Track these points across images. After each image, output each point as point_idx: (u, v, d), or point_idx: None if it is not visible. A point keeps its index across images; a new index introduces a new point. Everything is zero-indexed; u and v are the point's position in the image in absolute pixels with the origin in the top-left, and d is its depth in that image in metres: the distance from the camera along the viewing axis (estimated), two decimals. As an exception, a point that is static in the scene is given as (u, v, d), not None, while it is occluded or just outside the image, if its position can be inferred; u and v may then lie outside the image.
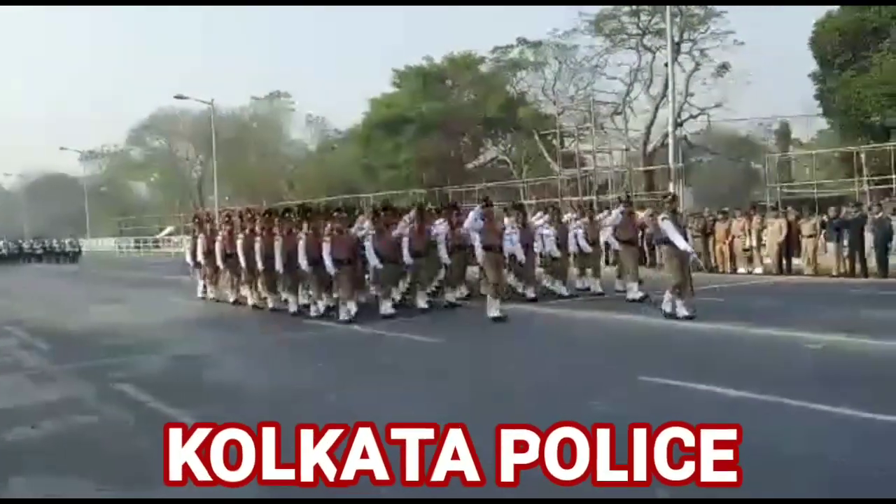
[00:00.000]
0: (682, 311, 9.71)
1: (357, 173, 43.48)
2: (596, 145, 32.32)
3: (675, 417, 5.20)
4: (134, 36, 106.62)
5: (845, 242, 15.29)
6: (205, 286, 14.88)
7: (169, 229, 51.67)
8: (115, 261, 41.62)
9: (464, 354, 8.56)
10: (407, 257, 11.52)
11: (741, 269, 16.82)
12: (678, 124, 27.71)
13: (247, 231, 12.83)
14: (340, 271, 10.78)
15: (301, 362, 8.58)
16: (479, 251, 11.13)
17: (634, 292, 11.88)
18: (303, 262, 11.06)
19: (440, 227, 12.03)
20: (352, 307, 10.79)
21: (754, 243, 16.67)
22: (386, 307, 11.13)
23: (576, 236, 12.87)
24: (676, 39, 29.51)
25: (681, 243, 9.71)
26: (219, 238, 13.64)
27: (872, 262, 14.98)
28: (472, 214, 11.14)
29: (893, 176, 19.60)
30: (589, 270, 13.42)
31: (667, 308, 9.92)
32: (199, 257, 14.33)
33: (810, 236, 15.90)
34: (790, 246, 16.32)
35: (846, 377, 6.51)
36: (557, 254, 12.73)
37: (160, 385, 7.25)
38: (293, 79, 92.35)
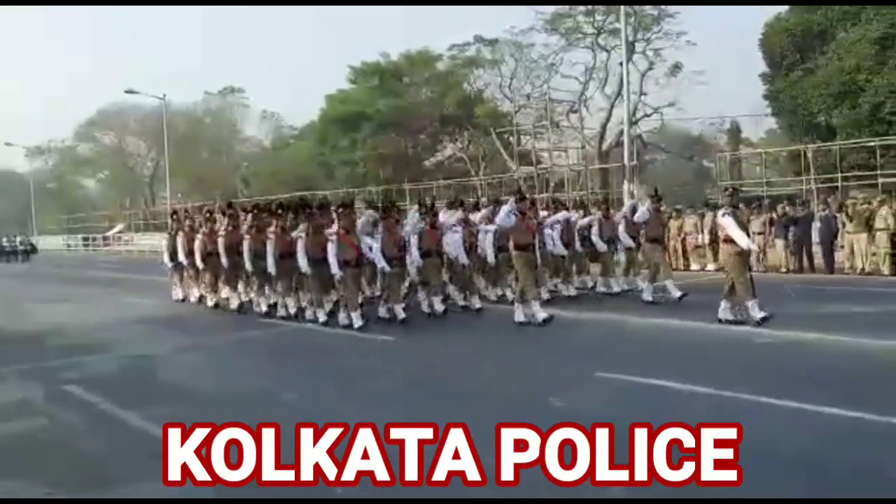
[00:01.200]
0: (757, 314, 8.71)
1: (313, 170, 43.10)
2: (552, 143, 32.58)
3: (636, 413, 5.36)
4: (87, 33, 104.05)
5: (793, 239, 15.73)
6: (184, 288, 13.94)
7: (119, 227, 50.46)
8: (64, 258, 40.45)
9: (426, 352, 8.55)
10: (417, 258, 10.66)
11: (694, 266, 17.15)
12: (633, 123, 28.09)
13: (229, 228, 12.10)
14: (346, 275, 9.80)
15: (258, 362, 8.45)
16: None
17: (652, 293, 11.22)
18: (302, 262, 10.08)
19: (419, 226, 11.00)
20: (356, 317, 9.74)
21: (706, 240, 17.00)
22: (399, 311, 10.21)
23: (562, 233, 11.90)
24: (630, 39, 29.90)
25: (743, 241, 8.86)
26: (199, 236, 12.74)
27: (819, 259, 15.44)
28: (503, 209, 9.85)
29: (839, 174, 20.18)
30: (594, 270, 12.73)
31: (726, 315, 9.04)
32: (181, 257, 13.33)
33: (759, 233, 16.28)
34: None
35: (792, 371, 6.69)
36: (564, 252, 11.94)
37: (111, 386, 7.10)
38: (247, 75, 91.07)
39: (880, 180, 19.15)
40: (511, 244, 9.99)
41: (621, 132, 26.41)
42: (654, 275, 11.32)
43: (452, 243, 11.07)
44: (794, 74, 25.80)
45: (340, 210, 10.20)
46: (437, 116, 39.66)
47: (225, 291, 12.77)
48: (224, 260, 11.98)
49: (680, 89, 33.05)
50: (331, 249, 9.70)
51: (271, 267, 10.81)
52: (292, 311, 10.98)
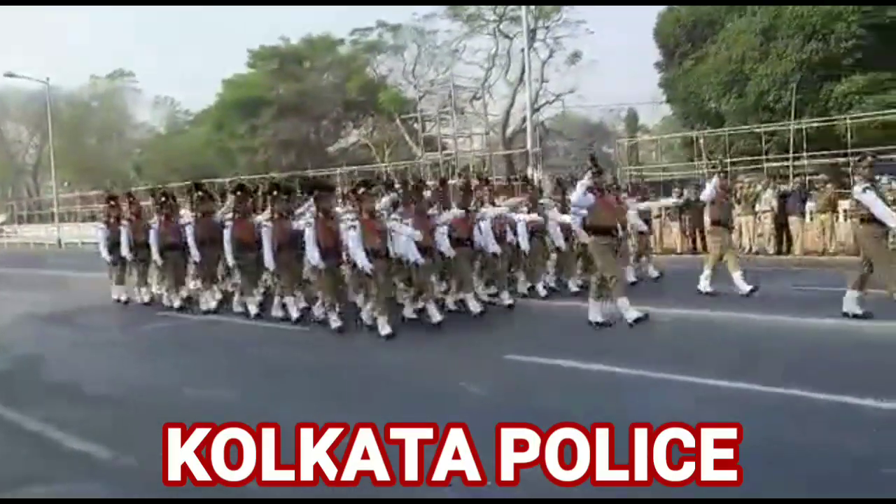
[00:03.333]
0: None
1: (211, 157, 41.66)
2: (457, 129, 32.70)
3: (539, 395, 5.35)
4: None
5: (687, 222, 16.35)
6: (128, 288, 11.87)
7: (1, 218, 47.28)
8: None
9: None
10: (447, 249, 8.63)
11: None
12: (535, 110, 28.51)
13: (198, 214, 10.28)
14: (376, 267, 7.96)
15: (158, 357, 7.99)
16: (582, 235, 8.90)
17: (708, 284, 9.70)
18: (313, 255, 8.31)
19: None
20: (383, 323, 7.97)
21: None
22: (434, 311, 8.34)
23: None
24: (531, 27, 30.29)
25: (891, 220, 7.45)
26: (154, 224, 10.85)
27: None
28: (579, 185, 8.04)
29: (729, 159, 21.11)
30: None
31: (854, 308, 7.68)
32: (124, 251, 11.31)
33: (656, 217, 16.82)
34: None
35: (694, 348, 6.90)
36: (563, 245, 10.10)
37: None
38: (137, 58, 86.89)
39: (765, 165, 20.21)
40: (580, 229, 8.55)
41: (524, 119, 26.75)
42: (715, 263, 9.75)
43: (483, 232, 9.25)
44: (687, 63, 26.79)
45: (361, 192, 8.32)
46: (339, 102, 39.10)
47: (185, 290, 10.96)
48: (195, 252, 10.17)
49: (580, 77, 33.84)
50: (354, 237, 7.98)
51: (270, 262, 9.10)
52: (295, 312, 9.12)
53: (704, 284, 9.69)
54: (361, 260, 7.90)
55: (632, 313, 7.76)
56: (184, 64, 76.59)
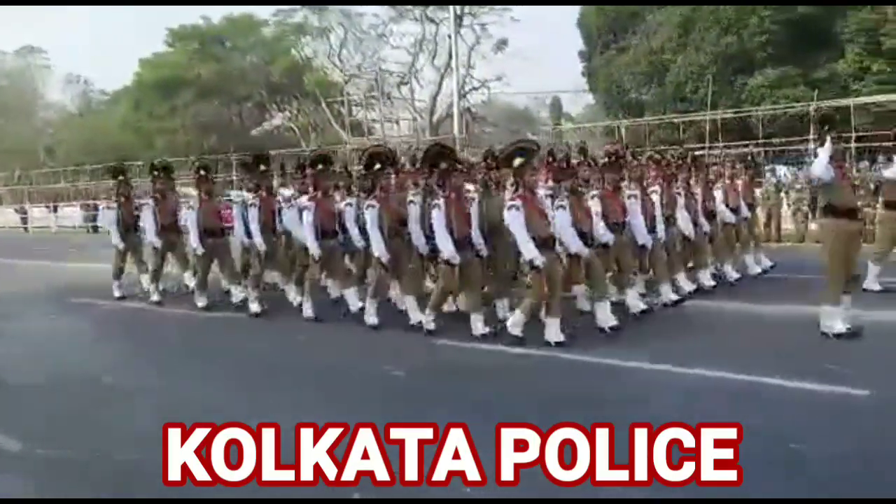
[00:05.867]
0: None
1: (128, 138, 40.14)
2: (384, 114, 32.51)
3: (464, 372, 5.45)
4: None
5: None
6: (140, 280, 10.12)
7: None
8: None
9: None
10: (478, 239, 7.00)
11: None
12: (462, 96, 28.63)
13: (262, 194, 8.49)
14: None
15: (81, 346, 7.71)
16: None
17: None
18: (380, 248, 7.18)
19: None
20: (429, 319, 6.96)
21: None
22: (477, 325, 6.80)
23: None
24: (458, 13, 30.33)
25: None
26: (193, 204, 8.98)
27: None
28: (822, 154, 6.06)
29: (648, 148, 21.77)
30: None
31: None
32: (150, 236, 9.53)
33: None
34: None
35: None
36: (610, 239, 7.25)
37: None
38: (48, 33, 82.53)
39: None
40: (822, 207, 6.40)
41: (451, 104, 26.83)
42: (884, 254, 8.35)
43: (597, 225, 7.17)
44: (609, 53, 27.42)
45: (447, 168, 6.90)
46: (263, 84, 38.24)
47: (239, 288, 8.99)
48: (259, 240, 8.38)
49: (506, 64, 34.12)
50: (438, 219, 6.66)
51: (315, 248, 7.65)
52: (356, 306, 7.75)
53: (872, 283, 8.18)
54: (448, 249, 6.67)
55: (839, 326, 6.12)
56: (98, 41, 73.46)
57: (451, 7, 24.26)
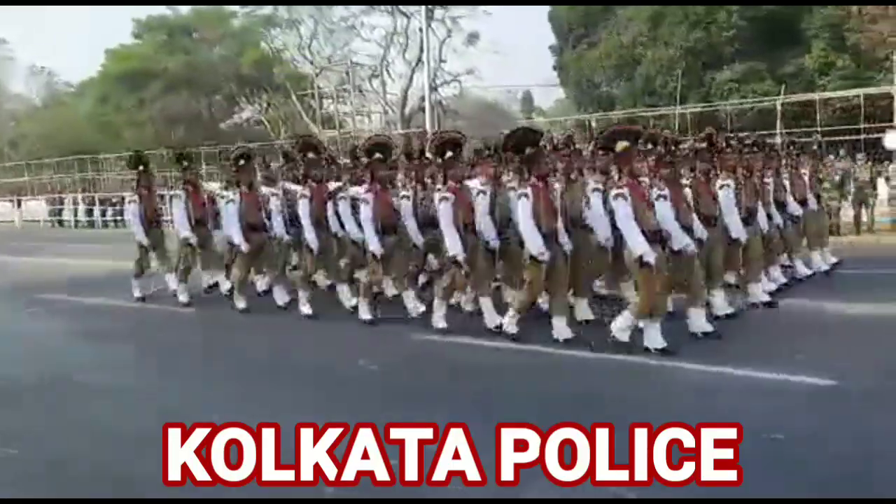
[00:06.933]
0: None
1: (95, 131, 39.45)
2: (355, 108, 32.32)
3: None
4: None
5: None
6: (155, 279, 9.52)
7: None
8: None
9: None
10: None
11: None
12: (433, 89, 28.55)
13: (313, 185, 7.82)
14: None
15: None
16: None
17: None
18: (455, 245, 6.60)
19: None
20: (562, 327, 6.31)
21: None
22: (560, 329, 6.34)
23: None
24: (430, 6, 30.22)
25: None
26: (234, 197, 8.20)
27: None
28: None
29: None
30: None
31: None
32: (182, 231, 8.88)
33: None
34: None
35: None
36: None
37: None
38: (10, 23, 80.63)
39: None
40: None
41: (423, 98, 26.75)
42: None
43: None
44: (580, 48, 27.53)
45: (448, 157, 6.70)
46: (232, 76, 37.78)
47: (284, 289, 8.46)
48: (311, 237, 7.76)
49: (477, 58, 34.09)
50: (524, 210, 6.09)
51: (376, 246, 7.09)
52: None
53: None
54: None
55: None
56: (62, 32, 72.01)
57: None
